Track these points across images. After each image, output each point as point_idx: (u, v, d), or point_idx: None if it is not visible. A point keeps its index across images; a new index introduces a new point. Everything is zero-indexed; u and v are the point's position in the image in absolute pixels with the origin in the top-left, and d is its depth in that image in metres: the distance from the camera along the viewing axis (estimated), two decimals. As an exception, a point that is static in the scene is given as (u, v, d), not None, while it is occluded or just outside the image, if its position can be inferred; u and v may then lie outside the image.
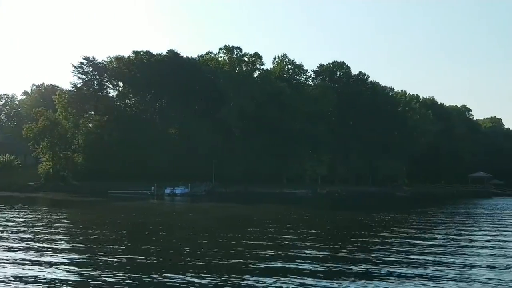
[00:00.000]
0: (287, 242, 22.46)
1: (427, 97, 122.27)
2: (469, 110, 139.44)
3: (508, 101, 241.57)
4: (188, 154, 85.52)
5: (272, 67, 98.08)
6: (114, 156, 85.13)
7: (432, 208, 54.00)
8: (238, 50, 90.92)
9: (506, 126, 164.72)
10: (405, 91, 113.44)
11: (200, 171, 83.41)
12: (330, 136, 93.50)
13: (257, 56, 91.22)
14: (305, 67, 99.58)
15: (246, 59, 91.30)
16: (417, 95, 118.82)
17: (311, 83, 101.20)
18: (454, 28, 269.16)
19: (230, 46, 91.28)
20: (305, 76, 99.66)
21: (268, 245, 21.36)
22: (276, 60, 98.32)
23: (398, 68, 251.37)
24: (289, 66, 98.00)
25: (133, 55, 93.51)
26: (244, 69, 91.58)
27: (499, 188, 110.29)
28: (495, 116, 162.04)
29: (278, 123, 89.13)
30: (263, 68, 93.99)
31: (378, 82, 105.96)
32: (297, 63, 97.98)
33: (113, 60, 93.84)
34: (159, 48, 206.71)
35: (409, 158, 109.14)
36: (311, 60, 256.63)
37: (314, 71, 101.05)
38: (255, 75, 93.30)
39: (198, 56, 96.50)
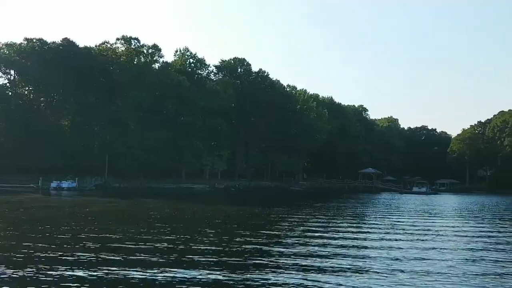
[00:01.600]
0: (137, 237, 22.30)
1: (326, 96, 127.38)
2: (365, 110, 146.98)
3: (403, 102, 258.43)
4: (80, 147, 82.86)
5: (173, 60, 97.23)
6: (1, 148, 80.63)
7: (318, 202, 56.24)
8: (136, 41, 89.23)
9: (402, 126, 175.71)
10: (305, 90, 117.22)
11: (93, 164, 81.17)
12: (230, 132, 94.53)
13: (156, 48, 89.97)
14: (207, 62, 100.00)
15: (145, 50, 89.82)
16: (316, 94, 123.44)
17: (213, 78, 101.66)
18: (353, 29, 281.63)
19: (128, 36, 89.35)
20: (207, 71, 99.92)
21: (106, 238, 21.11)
22: (178, 53, 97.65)
23: (301, 68, 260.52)
24: (191, 60, 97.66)
25: (25, 42, 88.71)
26: (143, 60, 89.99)
27: (387, 184, 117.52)
28: (391, 116, 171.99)
29: (177, 116, 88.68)
30: (162, 61, 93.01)
31: (278, 80, 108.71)
32: (199, 57, 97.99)
33: (3, 46, 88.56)
34: (53, 36, 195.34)
35: (307, 154, 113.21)
36: (214, 55, 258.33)
37: (216, 66, 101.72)
38: (154, 67, 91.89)
39: (95, 46, 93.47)
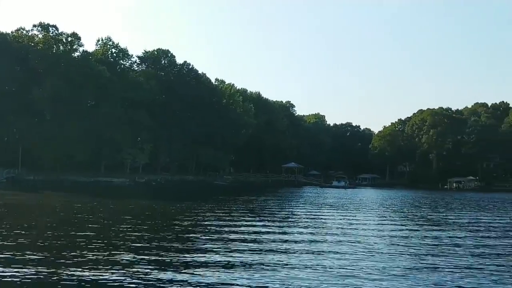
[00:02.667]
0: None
1: (253, 92, 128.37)
2: (292, 105, 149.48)
3: (331, 99, 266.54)
4: (-9, 138, 78.71)
5: (94, 49, 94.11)
6: None
7: (233, 196, 56.70)
8: (54, 29, 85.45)
9: (328, 122, 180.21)
10: (232, 84, 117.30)
11: (6, 156, 77.37)
12: (153, 124, 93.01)
13: (75, 36, 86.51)
14: (131, 53, 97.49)
15: (63, 38, 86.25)
16: (244, 89, 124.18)
17: (136, 69, 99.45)
18: (281, 26, 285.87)
19: (46, 23, 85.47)
20: (129, 62, 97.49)
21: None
22: (99, 42, 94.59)
23: (230, 63, 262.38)
24: (113, 50, 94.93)
25: None
26: (61, 49, 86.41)
27: (309, 178, 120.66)
28: (318, 113, 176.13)
29: (96, 107, 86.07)
30: (82, 50, 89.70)
31: (205, 73, 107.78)
32: (122, 47, 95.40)
33: None
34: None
35: (234, 149, 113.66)
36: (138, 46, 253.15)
37: (139, 57, 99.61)
38: (74, 56, 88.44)
39: (11, 32, 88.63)
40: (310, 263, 15.19)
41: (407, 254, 17.43)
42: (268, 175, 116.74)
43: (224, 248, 17.44)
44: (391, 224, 28.40)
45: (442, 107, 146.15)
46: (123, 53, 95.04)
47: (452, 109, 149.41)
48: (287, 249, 17.73)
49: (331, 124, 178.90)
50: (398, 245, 19.67)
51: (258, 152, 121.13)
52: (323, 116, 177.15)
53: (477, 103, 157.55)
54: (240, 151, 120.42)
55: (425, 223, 29.88)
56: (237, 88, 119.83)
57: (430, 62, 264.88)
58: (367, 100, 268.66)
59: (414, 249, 18.80)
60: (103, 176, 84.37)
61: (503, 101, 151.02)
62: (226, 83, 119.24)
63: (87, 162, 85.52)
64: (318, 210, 37.41)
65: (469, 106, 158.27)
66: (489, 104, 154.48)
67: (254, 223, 26.14)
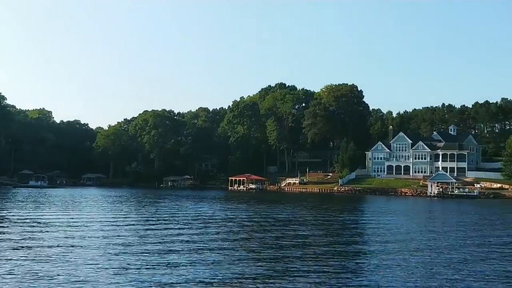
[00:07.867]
0: None
1: None
2: (3, 97, 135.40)
3: (57, 95, 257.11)
4: None
5: None
6: None
7: None
8: None
9: (55, 119, 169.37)
10: None
11: None
12: None
13: None
14: None
15: None
16: None
17: None
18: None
19: None
20: None
21: None
22: None
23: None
24: None
25: None
26: None
27: (2, 178, 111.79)
28: (44, 108, 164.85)
29: None
30: None
31: None
32: None
33: None
34: None
35: None
36: None
37: None
38: None
39: None
40: None
41: None
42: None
43: None
44: None
45: (165, 109, 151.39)
46: None
47: (175, 111, 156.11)
48: None
49: (58, 121, 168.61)
50: None
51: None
52: (50, 112, 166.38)
53: (201, 107, 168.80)
54: None
55: None
56: None
57: (163, 64, 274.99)
58: (98, 99, 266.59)
59: None
60: None
61: (222, 107, 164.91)
62: None
63: None
64: None
65: (194, 110, 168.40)
66: (211, 109, 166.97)
67: None
